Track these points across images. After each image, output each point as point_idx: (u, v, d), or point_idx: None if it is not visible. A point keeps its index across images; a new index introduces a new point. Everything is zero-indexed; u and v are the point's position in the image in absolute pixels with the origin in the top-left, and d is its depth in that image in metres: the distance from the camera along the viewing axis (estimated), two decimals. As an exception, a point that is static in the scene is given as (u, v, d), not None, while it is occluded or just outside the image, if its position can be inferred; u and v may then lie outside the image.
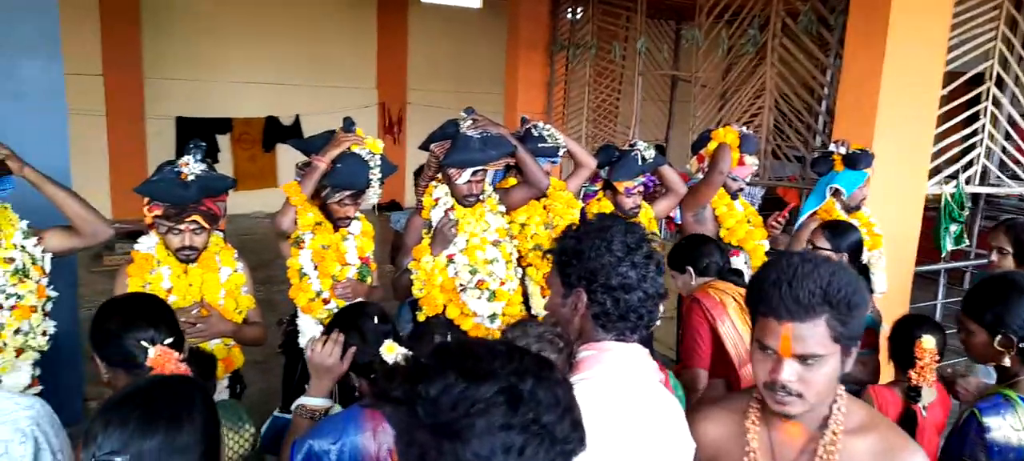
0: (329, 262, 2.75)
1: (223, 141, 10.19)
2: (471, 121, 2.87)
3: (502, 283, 2.88)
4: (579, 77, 8.21)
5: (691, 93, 7.12)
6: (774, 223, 3.77)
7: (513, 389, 0.82)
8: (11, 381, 2.30)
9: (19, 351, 2.31)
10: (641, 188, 3.38)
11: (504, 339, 0.94)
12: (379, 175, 2.78)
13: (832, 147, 3.70)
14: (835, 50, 5.62)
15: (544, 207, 3.25)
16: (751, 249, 3.55)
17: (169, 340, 1.49)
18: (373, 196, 2.82)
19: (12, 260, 2.28)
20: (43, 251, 2.40)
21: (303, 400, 1.84)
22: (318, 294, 2.74)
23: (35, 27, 3.50)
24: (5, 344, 2.26)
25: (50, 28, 3.57)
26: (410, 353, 1.80)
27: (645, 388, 1.32)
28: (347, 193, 2.73)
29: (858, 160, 3.53)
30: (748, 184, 3.87)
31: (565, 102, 8.42)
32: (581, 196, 3.50)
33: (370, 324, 1.87)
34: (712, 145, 3.59)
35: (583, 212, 3.38)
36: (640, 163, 3.32)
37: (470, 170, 2.82)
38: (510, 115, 7.86)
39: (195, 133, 9.53)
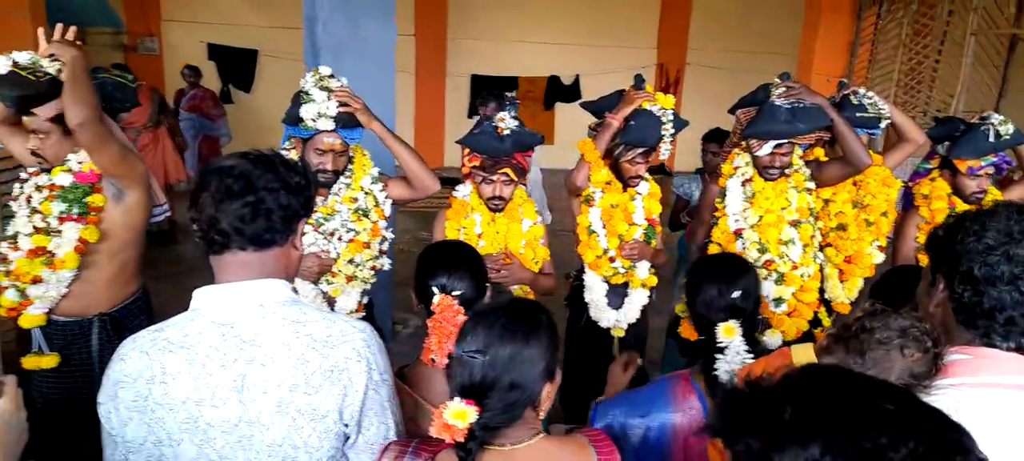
0: (617, 221, 2.79)
1: (509, 99, 10.86)
2: (784, 88, 2.66)
3: (794, 267, 2.68)
4: (891, 36, 7.25)
5: (1038, 56, 5.91)
6: None
7: None
8: (341, 303, 2.58)
9: (349, 278, 2.58)
10: (991, 169, 2.77)
11: (893, 388, 0.72)
12: (671, 130, 2.74)
13: None
14: None
15: (854, 182, 2.93)
16: None
17: (458, 292, 1.57)
18: (664, 152, 2.79)
19: (355, 199, 2.57)
20: (386, 197, 2.66)
21: None
22: (605, 252, 2.80)
23: (376, -8, 3.95)
24: (339, 270, 2.56)
25: (387, -7, 4.01)
26: (748, 353, 1.63)
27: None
28: (639, 150, 2.72)
29: None
30: None
31: (870, 65, 7.52)
32: (910, 175, 3.07)
33: (725, 288, 1.69)
34: (1083, 121, 2.93)
35: (908, 191, 2.97)
36: (992, 139, 2.72)
37: (773, 142, 2.64)
38: (804, 79, 7.23)
39: (487, 90, 10.26)
